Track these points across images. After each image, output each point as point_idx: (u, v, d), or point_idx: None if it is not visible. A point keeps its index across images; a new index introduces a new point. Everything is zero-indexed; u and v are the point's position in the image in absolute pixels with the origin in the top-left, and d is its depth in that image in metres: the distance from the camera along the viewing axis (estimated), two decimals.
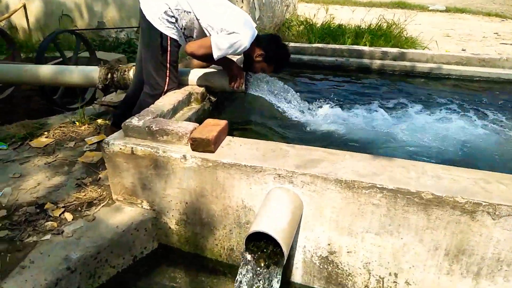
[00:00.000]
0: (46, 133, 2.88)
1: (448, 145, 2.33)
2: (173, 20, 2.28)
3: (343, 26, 5.35)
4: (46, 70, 2.76)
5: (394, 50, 3.49)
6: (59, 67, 2.78)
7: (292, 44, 3.75)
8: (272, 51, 2.39)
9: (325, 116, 2.58)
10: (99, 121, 3.11)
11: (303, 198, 1.77)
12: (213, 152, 1.89)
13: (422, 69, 3.35)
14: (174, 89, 2.47)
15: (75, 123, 3.02)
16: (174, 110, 2.33)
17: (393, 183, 1.63)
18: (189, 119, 2.36)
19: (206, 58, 2.37)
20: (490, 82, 3.16)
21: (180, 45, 2.41)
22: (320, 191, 1.73)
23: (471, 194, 1.53)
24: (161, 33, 2.28)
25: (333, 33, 4.87)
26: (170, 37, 2.31)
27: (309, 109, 2.62)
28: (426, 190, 1.58)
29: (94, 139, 2.79)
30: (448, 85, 3.21)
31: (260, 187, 1.82)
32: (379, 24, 5.10)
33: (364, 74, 3.45)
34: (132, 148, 1.96)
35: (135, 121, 2.03)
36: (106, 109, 3.27)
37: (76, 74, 2.70)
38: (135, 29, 5.24)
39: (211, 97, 2.62)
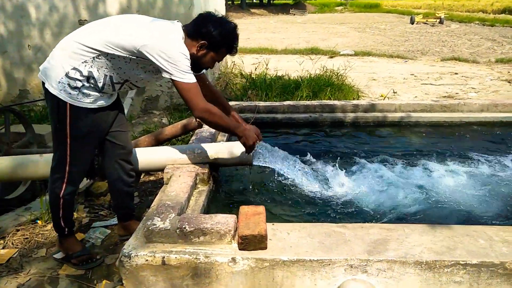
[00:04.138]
0: (1, 241, 2.29)
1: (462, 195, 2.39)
2: (82, 80, 1.78)
3: (288, 78, 5.47)
4: (1, 164, 2.21)
5: (364, 102, 3.61)
6: (18, 159, 2.25)
7: (262, 103, 3.66)
8: (212, 33, 1.84)
9: (336, 181, 2.48)
10: None
11: (378, 287, 1.59)
12: (265, 248, 1.63)
13: (393, 119, 3.50)
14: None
15: (37, 222, 2.46)
16: (189, 198, 2.01)
17: (474, 257, 1.55)
18: (203, 206, 2.05)
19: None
20: (457, 126, 3.43)
21: (93, 110, 1.87)
22: (398, 277, 1.58)
23: None
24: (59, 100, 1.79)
25: (287, 88, 4.93)
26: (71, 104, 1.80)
27: (320, 177, 2.50)
28: (509, 260, 1.53)
29: None
30: (421, 132, 3.39)
31: (327, 282, 1.61)
32: (322, 74, 5.32)
33: (340, 128, 3.47)
34: (163, 257, 1.60)
35: (158, 222, 1.68)
36: None
37: (42, 165, 2.20)
38: None
39: (215, 174, 2.35)
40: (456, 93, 5.78)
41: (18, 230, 2.37)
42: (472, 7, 34.41)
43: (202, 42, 1.86)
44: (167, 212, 1.77)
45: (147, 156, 2.33)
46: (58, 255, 2.13)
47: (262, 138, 2.13)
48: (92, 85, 1.82)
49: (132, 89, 2.08)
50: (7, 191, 3.03)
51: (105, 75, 1.83)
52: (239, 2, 49.57)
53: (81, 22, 4.40)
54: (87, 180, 2.63)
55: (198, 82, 2.13)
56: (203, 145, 2.39)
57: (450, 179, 2.58)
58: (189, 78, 1.79)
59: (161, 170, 2.36)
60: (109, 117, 2.00)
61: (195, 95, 1.82)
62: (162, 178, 2.92)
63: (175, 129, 3.11)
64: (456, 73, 7.36)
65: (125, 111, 3.65)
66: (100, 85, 1.84)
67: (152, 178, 3.08)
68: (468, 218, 2.19)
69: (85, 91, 1.81)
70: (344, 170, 2.61)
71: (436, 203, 2.33)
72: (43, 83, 1.84)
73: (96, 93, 1.85)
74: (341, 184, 2.47)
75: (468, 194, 2.42)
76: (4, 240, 2.29)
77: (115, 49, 1.77)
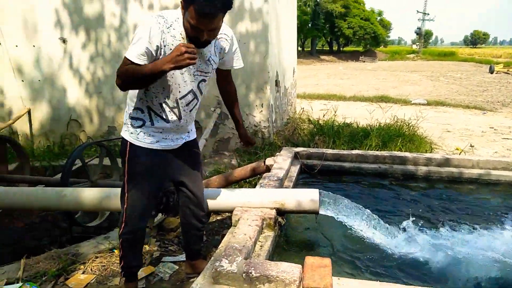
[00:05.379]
0: (82, 266, 2.48)
1: None
2: (144, 117, 1.87)
3: (357, 126, 5.44)
4: (89, 195, 2.46)
5: (438, 156, 3.47)
6: (104, 191, 2.49)
7: (330, 151, 3.68)
8: None
9: (406, 239, 2.37)
10: None
11: None
12: None
13: (470, 175, 3.31)
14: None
15: (114, 251, 2.64)
16: (255, 243, 2.05)
17: None
18: (268, 251, 2.08)
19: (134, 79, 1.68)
20: None
21: (154, 151, 1.93)
22: None
23: None
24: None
25: (355, 136, 4.91)
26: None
27: (389, 231, 2.42)
28: None
29: (142, 272, 2.42)
30: (503, 192, 3.14)
31: None
32: (392, 124, 5.23)
33: (411, 181, 3.36)
34: None
35: (226, 264, 1.74)
36: None
37: None
38: None
39: (281, 220, 2.38)
40: None
41: (97, 257, 2.57)
42: None
43: (181, 1, 1.68)
44: (234, 255, 1.82)
45: (218, 197, 2.44)
46: None
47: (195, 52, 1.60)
48: (156, 120, 1.87)
49: (190, 108, 1.95)
50: (87, 219, 3.35)
51: (160, 104, 1.85)
52: (309, 49, 50.98)
53: None
54: (162, 215, 2.81)
55: (221, 73, 2.11)
56: (271, 190, 2.46)
57: None
58: (129, 52, 1.65)
59: (230, 211, 2.45)
60: (173, 161, 2.01)
61: (121, 65, 1.69)
62: (228, 218, 3.03)
63: (244, 171, 3.24)
64: None
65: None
66: (163, 115, 1.87)
67: (218, 217, 3.18)
68: None
69: (147, 130, 1.88)
70: (415, 227, 2.50)
71: None
72: None
73: (158, 133, 1.89)
74: (410, 242, 2.36)
75: None
76: (85, 265, 2.48)
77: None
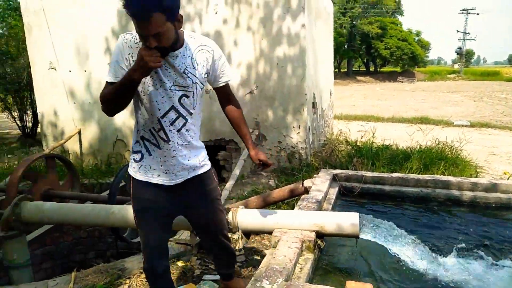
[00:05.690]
0: (127, 281, 2.59)
1: None
2: (142, 150, 1.85)
3: (396, 148, 5.35)
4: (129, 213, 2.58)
5: (485, 181, 3.35)
6: None
7: (369, 173, 3.65)
8: None
9: (455, 269, 2.29)
10: (179, 263, 2.83)
11: None
12: None
13: None
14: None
15: None
16: (295, 265, 2.07)
17: None
18: (308, 274, 2.09)
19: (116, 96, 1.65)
20: None
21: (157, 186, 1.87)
22: None
23: None
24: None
25: (395, 159, 4.83)
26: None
27: (433, 258, 2.35)
28: None
29: None
30: None
31: None
32: (434, 146, 5.09)
33: (455, 207, 3.25)
34: None
35: (267, 285, 1.77)
36: (185, 249, 3.00)
37: None
38: None
39: (320, 243, 2.38)
40: None
41: (141, 273, 2.66)
42: None
43: None
44: (275, 276, 1.85)
45: (257, 218, 2.48)
46: None
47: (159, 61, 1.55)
48: (152, 149, 1.82)
49: (177, 127, 1.81)
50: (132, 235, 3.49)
51: (150, 130, 1.79)
52: (346, 69, 50.83)
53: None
54: None
55: (219, 92, 2.01)
56: (310, 212, 2.47)
57: None
58: (106, 75, 1.72)
59: (269, 232, 2.49)
60: (182, 196, 1.93)
61: (102, 91, 1.73)
62: (267, 239, 3.06)
63: (282, 192, 3.28)
64: None
65: (237, 171, 3.97)
66: (154, 142, 1.80)
67: (257, 238, 3.21)
68: None
69: (147, 162, 1.83)
70: (463, 256, 2.41)
71: None
72: None
73: (158, 166, 1.83)
74: (456, 270, 2.28)
75: None
76: (130, 280, 2.59)
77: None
